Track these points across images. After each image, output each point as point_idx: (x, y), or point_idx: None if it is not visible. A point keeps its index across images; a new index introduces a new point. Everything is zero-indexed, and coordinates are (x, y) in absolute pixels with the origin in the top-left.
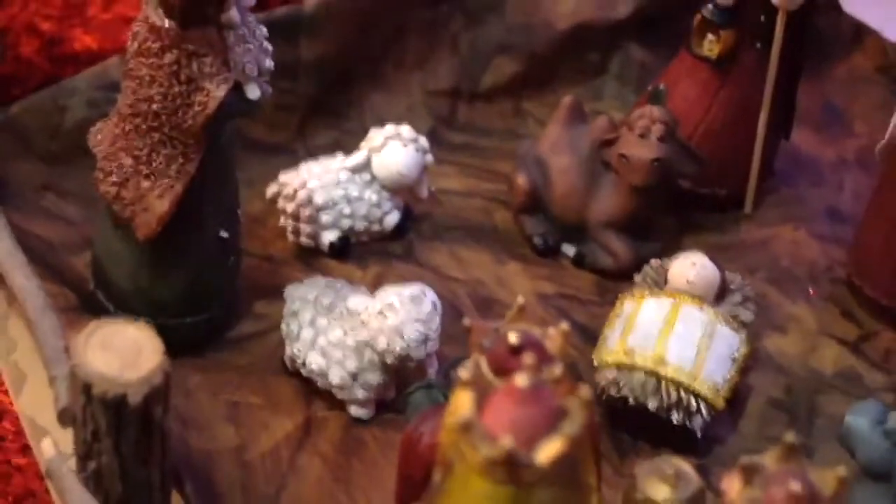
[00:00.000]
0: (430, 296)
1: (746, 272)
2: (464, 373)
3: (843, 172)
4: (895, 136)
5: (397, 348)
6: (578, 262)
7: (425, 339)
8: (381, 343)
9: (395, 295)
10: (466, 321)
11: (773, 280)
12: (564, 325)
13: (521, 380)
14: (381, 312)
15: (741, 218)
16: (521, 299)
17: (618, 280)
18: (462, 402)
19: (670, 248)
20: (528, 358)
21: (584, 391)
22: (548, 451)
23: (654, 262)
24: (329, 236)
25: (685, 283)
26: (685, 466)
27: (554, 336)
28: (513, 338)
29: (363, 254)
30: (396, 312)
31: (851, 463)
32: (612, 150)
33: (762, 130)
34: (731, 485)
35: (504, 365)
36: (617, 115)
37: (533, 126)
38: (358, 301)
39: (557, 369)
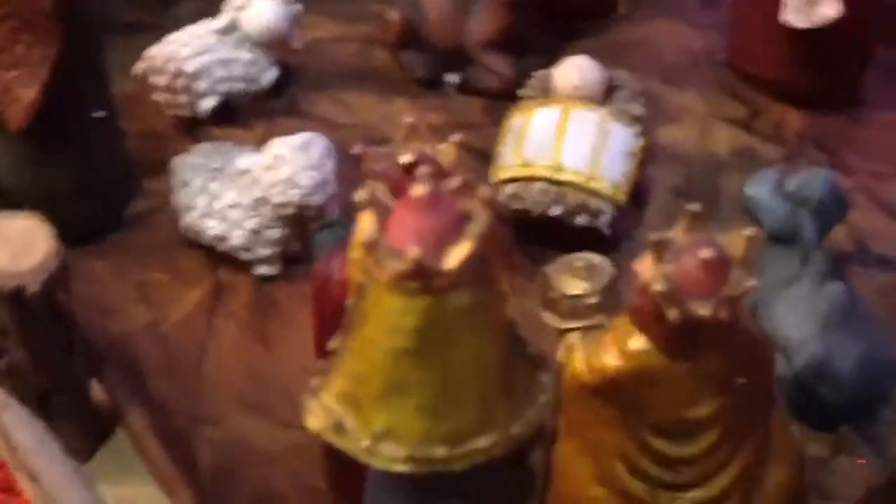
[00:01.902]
0: (320, 140)
1: (629, 70)
2: (361, 195)
3: None
4: None
5: (294, 198)
6: (463, 87)
7: (322, 185)
8: (277, 196)
9: (283, 146)
10: (357, 148)
11: (659, 74)
12: (456, 136)
13: (418, 189)
14: (271, 166)
15: (617, 19)
16: (408, 118)
17: (505, 100)
18: (364, 224)
19: (552, 61)
20: (422, 169)
21: (485, 190)
22: (457, 254)
23: (538, 73)
24: (208, 103)
25: (571, 87)
26: (596, 258)
27: (446, 149)
28: (405, 156)
29: (246, 116)
30: (287, 162)
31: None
32: None
33: None
34: (644, 265)
35: (401, 186)
36: None
37: None
38: (247, 159)
39: (455, 181)
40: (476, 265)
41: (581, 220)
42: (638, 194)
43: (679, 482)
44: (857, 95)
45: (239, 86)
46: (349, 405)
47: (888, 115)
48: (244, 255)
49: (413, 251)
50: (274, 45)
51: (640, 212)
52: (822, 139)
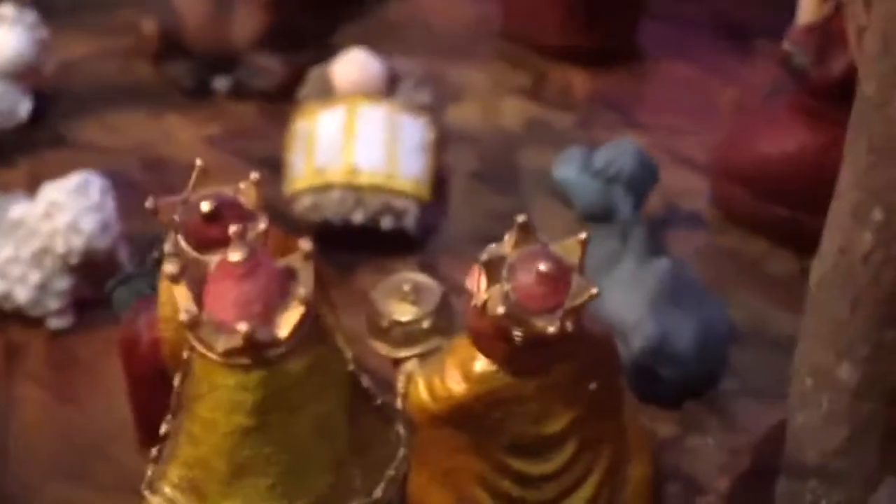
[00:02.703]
0: (95, 179)
1: (407, 52)
2: (169, 267)
3: None
4: None
5: (79, 245)
6: (235, 92)
7: (105, 226)
8: (60, 245)
9: (57, 190)
10: (149, 202)
11: (435, 51)
12: (254, 175)
13: (234, 255)
14: (48, 214)
15: None
16: (199, 162)
17: (283, 99)
18: (179, 296)
19: (325, 51)
20: (231, 227)
21: (304, 244)
22: (288, 320)
23: (312, 72)
24: None
25: (352, 84)
26: (420, 277)
27: (246, 189)
28: (205, 206)
29: (7, 152)
30: (64, 208)
31: (570, 214)
32: None
33: None
34: (476, 283)
35: (204, 236)
36: None
37: None
38: (19, 209)
39: (262, 223)
40: (308, 326)
41: (386, 222)
42: (437, 184)
43: (543, 499)
44: (637, 49)
45: None
46: (193, 494)
47: (671, 66)
48: (33, 311)
49: (241, 326)
50: (24, 74)
51: (441, 203)
52: (611, 99)
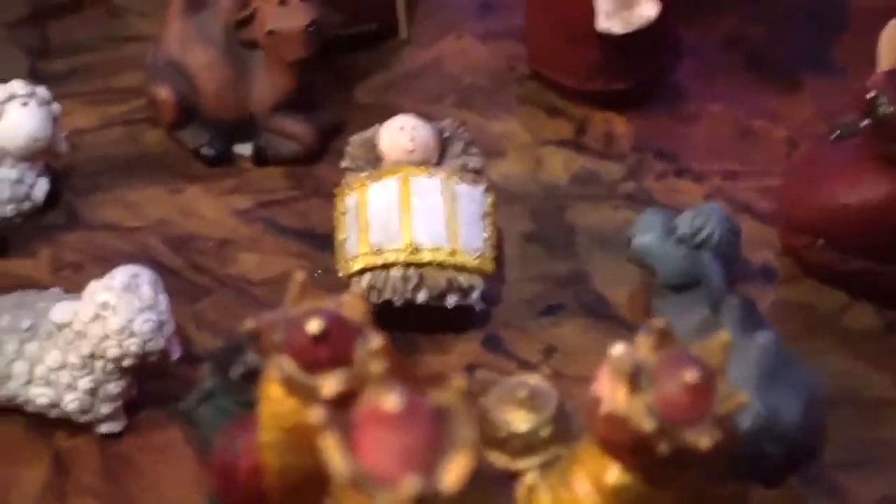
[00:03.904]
0: (144, 274)
1: (433, 102)
2: (316, 415)
3: None
4: None
5: (132, 348)
6: (259, 158)
7: (159, 325)
8: (112, 350)
9: (106, 290)
10: (249, 324)
11: (465, 102)
12: (360, 287)
13: (391, 404)
14: (97, 316)
15: (400, 46)
16: (299, 276)
17: (309, 163)
18: (332, 451)
19: (346, 108)
20: (374, 366)
21: (458, 381)
22: (456, 471)
23: (354, 140)
24: None
25: (403, 152)
26: (534, 380)
27: (351, 302)
28: (314, 326)
29: (25, 240)
30: (116, 310)
31: (642, 276)
32: (254, 28)
33: None
34: (610, 391)
35: (312, 357)
36: None
37: (138, 23)
38: (63, 310)
39: (375, 341)
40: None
41: (451, 300)
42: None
43: None
44: (677, 89)
45: (9, 209)
46: None
47: (711, 105)
48: (83, 418)
49: (410, 483)
50: (40, 154)
51: (497, 270)
52: (657, 145)
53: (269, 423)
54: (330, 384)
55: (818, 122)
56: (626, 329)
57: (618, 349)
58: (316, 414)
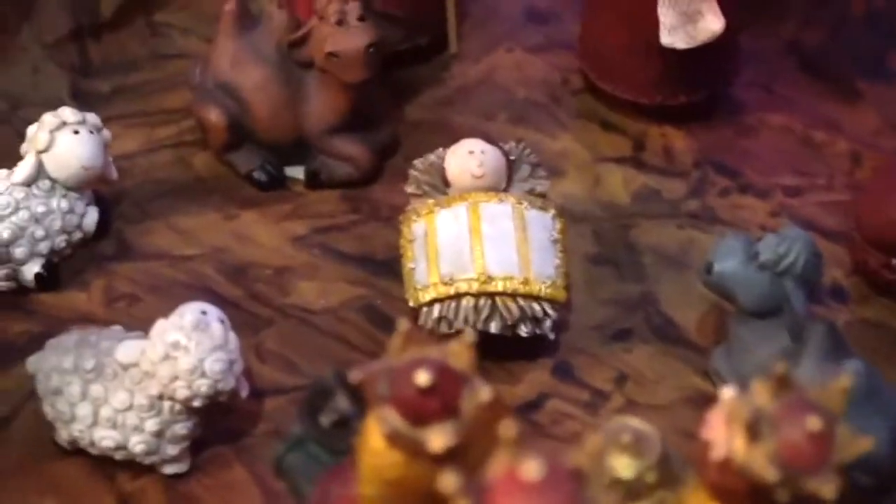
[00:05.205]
0: (212, 311)
1: (488, 118)
2: (447, 482)
3: None
4: None
5: (203, 389)
6: (314, 181)
7: (230, 365)
8: (182, 391)
9: (175, 329)
10: (355, 375)
11: (520, 118)
12: (468, 335)
13: (532, 472)
14: (167, 356)
15: (450, 60)
16: (403, 324)
17: (365, 185)
18: None
19: (399, 126)
20: (506, 430)
21: (591, 442)
22: None
23: (418, 164)
24: (32, 269)
25: (472, 178)
26: (636, 424)
27: (458, 351)
28: (423, 379)
29: (76, 270)
30: (187, 350)
31: (711, 298)
32: (311, 47)
33: None
34: (726, 438)
35: (420, 410)
36: None
37: (181, 40)
38: (129, 349)
39: (485, 393)
40: None
41: (524, 330)
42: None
43: None
44: (734, 99)
45: (61, 240)
46: None
47: (770, 117)
48: (148, 460)
49: None
50: (91, 183)
51: (568, 296)
52: (717, 160)
53: (370, 475)
54: (438, 438)
55: (881, 134)
56: (697, 354)
57: (729, 393)
58: (448, 482)
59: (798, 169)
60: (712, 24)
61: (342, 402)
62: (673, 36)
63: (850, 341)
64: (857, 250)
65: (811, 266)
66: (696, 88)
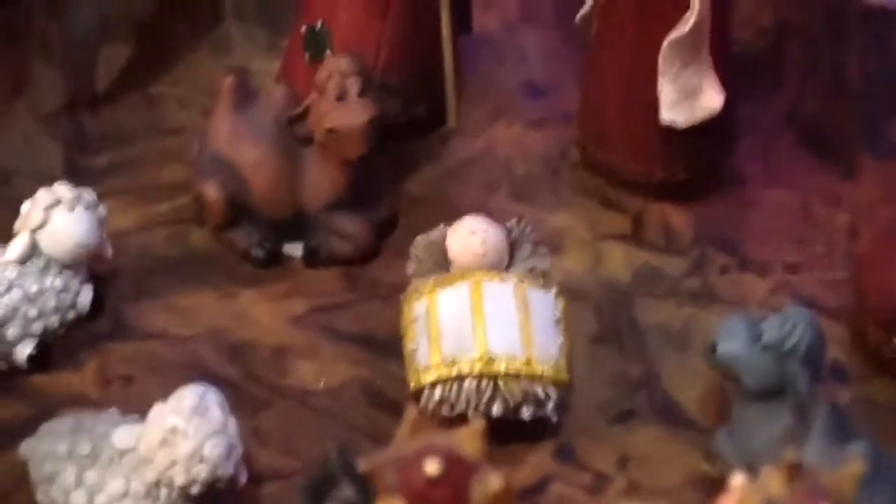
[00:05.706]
0: (210, 395)
1: (488, 194)
2: None
3: (516, 40)
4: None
5: (201, 475)
6: (312, 259)
7: (230, 450)
8: (180, 477)
9: (173, 413)
10: (364, 464)
11: (520, 193)
12: (478, 424)
13: None
14: (165, 441)
15: (448, 134)
16: (411, 411)
17: (365, 263)
18: None
19: (399, 202)
20: None
21: None
22: None
23: (419, 242)
24: (24, 351)
25: (475, 257)
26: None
27: (467, 437)
28: (432, 468)
29: (68, 350)
30: (185, 435)
31: (712, 377)
32: (310, 123)
33: (448, 33)
34: None
35: (429, 500)
36: (263, 63)
37: (177, 112)
38: (125, 435)
39: (495, 481)
40: None
41: (527, 412)
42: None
43: None
44: (733, 173)
45: (54, 319)
46: None
47: (768, 192)
48: None
49: None
50: (86, 261)
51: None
52: (717, 237)
53: None
54: None
55: (880, 207)
56: (700, 434)
57: (739, 479)
58: None
59: (797, 243)
60: (712, 101)
61: (347, 491)
62: (673, 112)
63: (855, 421)
64: (855, 328)
65: (815, 346)
66: (697, 165)
